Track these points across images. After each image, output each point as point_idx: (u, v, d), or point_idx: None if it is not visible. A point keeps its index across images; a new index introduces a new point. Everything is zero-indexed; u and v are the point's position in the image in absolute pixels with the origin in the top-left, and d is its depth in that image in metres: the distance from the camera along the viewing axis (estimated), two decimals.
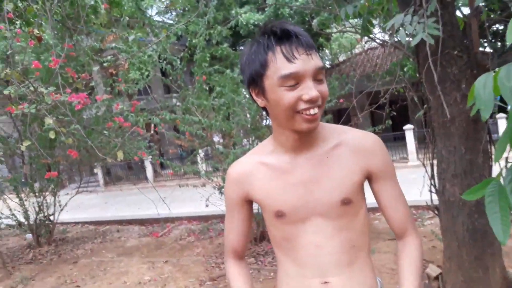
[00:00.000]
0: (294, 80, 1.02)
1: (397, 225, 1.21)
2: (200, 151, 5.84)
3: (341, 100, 5.24)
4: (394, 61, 7.82)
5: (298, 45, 1.03)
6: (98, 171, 15.95)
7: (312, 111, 1.04)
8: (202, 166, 6.82)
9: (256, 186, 1.21)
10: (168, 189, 9.31)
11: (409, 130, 12.74)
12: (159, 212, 6.47)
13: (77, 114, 4.91)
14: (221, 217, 7.47)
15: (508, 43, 1.40)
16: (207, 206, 5.47)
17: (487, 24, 2.73)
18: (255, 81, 1.09)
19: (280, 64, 1.02)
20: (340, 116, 4.24)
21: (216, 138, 6.65)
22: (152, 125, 6.45)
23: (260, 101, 1.13)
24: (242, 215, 1.29)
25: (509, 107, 1.56)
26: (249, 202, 1.28)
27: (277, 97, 1.05)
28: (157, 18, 16.91)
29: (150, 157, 6.59)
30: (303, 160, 1.17)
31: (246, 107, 4.81)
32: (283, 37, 1.04)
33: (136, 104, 5.20)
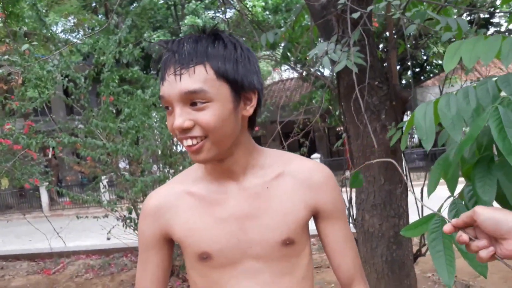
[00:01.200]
0: (166, 103, 0.87)
1: (344, 272, 1.04)
2: (103, 177, 5.35)
3: (257, 128, 5.18)
4: (304, 94, 8.07)
5: (170, 63, 0.85)
6: None
7: (185, 142, 0.86)
8: (105, 195, 6.27)
9: (178, 221, 0.97)
10: (66, 219, 8.43)
11: (316, 159, 13.22)
12: (53, 245, 5.77)
13: None
14: (124, 251, 6.86)
15: (446, 71, 1.36)
16: (108, 239, 4.97)
17: (410, 55, 2.78)
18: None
19: (160, 86, 0.88)
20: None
21: (122, 164, 6.18)
22: (50, 149, 5.83)
23: None
24: (159, 258, 1.02)
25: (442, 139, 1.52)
26: (169, 242, 1.02)
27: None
28: (62, 36, 15.87)
29: (46, 183, 5.91)
30: (237, 190, 0.96)
31: (157, 131, 4.51)
32: (162, 54, 0.89)
33: (30, 125, 4.63)
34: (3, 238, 10.29)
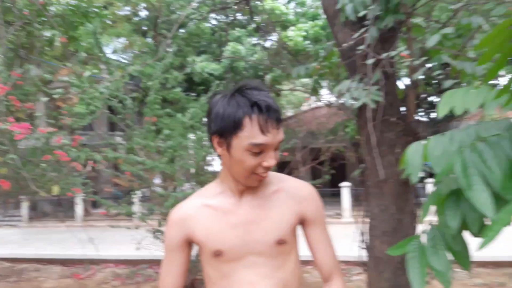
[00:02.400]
0: (261, 148, 1.15)
1: (324, 267, 1.32)
2: (137, 192, 5.69)
3: (285, 153, 5.41)
4: (338, 122, 8.25)
5: (272, 119, 1.15)
6: (24, 205, 14.95)
7: (265, 174, 1.20)
8: (137, 208, 6.61)
9: (198, 228, 1.27)
10: (97, 230, 8.89)
11: (345, 188, 13.21)
12: (85, 253, 6.12)
13: (13, 144, 4.69)
14: (150, 262, 7.17)
15: (439, 116, 1.57)
16: (138, 249, 5.28)
17: (423, 96, 3.00)
18: (223, 134, 1.18)
19: (254, 132, 1.14)
20: (283, 168, 4.36)
21: (156, 181, 6.53)
22: (91, 162, 6.27)
23: (220, 150, 1.22)
24: (182, 258, 1.32)
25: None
26: (189, 245, 1.33)
27: (241, 157, 1.16)
28: (112, 56, 16.84)
29: (84, 194, 6.33)
30: (246, 202, 1.27)
31: (192, 152, 4.84)
32: (263, 109, 1.15)
33: (78, 139, 5.06)
34: (37, 243, 10.85)
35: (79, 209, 15.30)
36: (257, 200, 1.27)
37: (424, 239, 1.32)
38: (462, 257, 1.26)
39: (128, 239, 5.36)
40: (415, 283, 1.24)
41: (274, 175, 1.34)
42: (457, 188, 1.28)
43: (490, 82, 1.74)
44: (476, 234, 1.22)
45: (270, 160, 1.17)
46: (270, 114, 1.15)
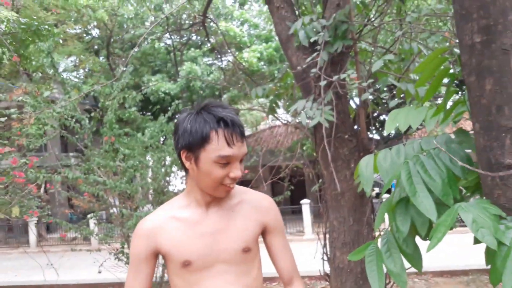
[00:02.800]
0: (227, 160, 1.26)
1: (285, 272, 1.44)
2: (92, 214, 5.59)
3: (246, 171, 5.52)
4: (295, 140, 8.49)
5: (237, 133, 1.28)
6: None
7: (232, 185, 1.31)
8: (95, 230, 6.46)
9: (166, 239, 1.33)
10: (53, 255, 8.52)
11: (305, 205, 13.46)
12: (43, 278, 5.88)
13: None
14: (113, 285, 6.99)
15: (386, 133, 1.75)
16: (99, 272, 5.16)
17: (374, 114, 3.23)
18: (191, 148, 1.28)
19: (221, 145, 1.25)
20: (245, 186, 4.45)
21: (115, 201, 6.42)
22: (44, 184, 6.10)
23: (188, 164, 1.32)
24: (148, 270, 1.37)
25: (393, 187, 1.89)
26: (156, 257, 1.38)
27: (209, 169, 1.26)
28: (63, 75, 16.43)
29: (35, 218, 6.13)
30: (212, 213, 1.37)
31: (153, 171, 4.85)
32: (229, 124, 1.27)
33: (33, 159, 4.93)
34: None
35: (32, 234, 14.60)
36: (222, 210, 1.37)
37: (380, 244, 1.47)
38: (414, 259, 1.42)
39: (87, 263, 5.23)
40: (374, 284, 1.38)
41: (236, 188, 1.44)
42: (405, 195, 1.45)
43: (430, 101, 1.95)
44: (425, 238, 1.38)
45: (236, 171, 1.27)
46: (235, 128, 1.27)
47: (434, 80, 1.46)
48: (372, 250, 1.49)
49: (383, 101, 3.66)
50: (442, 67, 1.43)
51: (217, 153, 1.24)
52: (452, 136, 1.59)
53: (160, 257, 1.41)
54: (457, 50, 1.38)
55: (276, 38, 15.52)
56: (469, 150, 1.48)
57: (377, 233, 2.42)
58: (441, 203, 1.36)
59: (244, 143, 1.31)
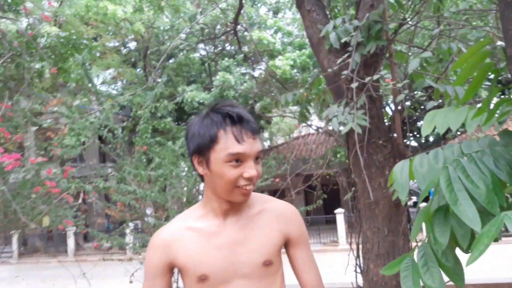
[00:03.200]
0: (239, 159, 1.16)
1: (309, 286, 1.31)
2: (130, 224, 5.64)
3: (277, 180, 5.42)
4: (328, 148, 8.31)
5: (247, 129, 1.18)
6: (14, 240, 14.66)
7: (249, 187, 1.18)
8: (130, 239, 6.52)
9: (182, 252, 1.24)
10: (89, 264, 8.68)
11: (340, 214, 13.18)
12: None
13: (3, 176, 4.66)
14: None
15: (423, 135, 1.62)
16: (131, 282, 5.17)
17: (410, 120, 3.08)
18: (201, 151, 1.20)
19: (229, 143, 1.16)
20: (276, 195, 4.36)
21: (148, 211, 6.47)
22: (82, 194, 6.22)
23: (201, 170, 1.23)
24: (163, 284, 1.28)
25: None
26: (171, 270, 1.30)
27: (220, 170, 1.17)
28: (102, 87, 16.97)
29: (75, 227, 6.25)
30: (230, 223, 1.26)
31: (183, 180, 4.84)
32: (236, 120, 1.18)
33: (69, 169, 5.03)
34: (28, 280, 10.55)
35: (70, 243, 15.02)
36: (241, 221, 1.27)
37: (416, 257, 1.34)
38: (454, 274, 1.28)
39: (121, 273, 5.25)
40: None
41: (257, 196, 1.35)
42: (444, 203, 1.32)
43: (469, 104, 1.80)
44: (467, 250, 1.24)
45: (251, 170, 1.17)
46: (244, 124, 1.18)
47: (475, 77, 1.32)
48: (407, 263, 1.36)
49: (420, 105, 3.48)
50: (484, 63, 1.30)
51: (226, 151, 1.16)
52: (497, 138, 1.44)
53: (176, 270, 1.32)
54: (501, 43, 1.24)
55: (309, 45, 15.43)
56: None
57: (413, 244, 2.26)
58: (485, 212, 1.22)
59: (257, 139, 1.20)
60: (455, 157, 1.43)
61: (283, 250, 1.32)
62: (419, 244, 1.41)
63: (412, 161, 1.51)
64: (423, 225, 1.42)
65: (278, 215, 1.30)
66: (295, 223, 1.32)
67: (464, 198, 1.15)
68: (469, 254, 1.33)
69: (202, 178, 1.28)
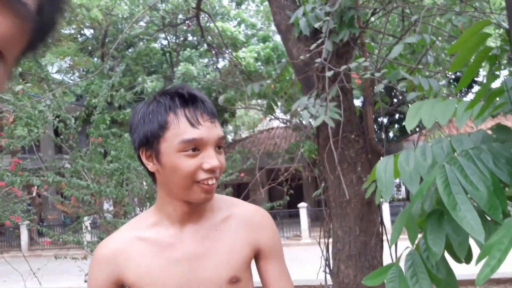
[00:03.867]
0: (196, 146, 0.95)
1: None
2: (85, 218, 5.31)
3: (242, 174, 5.25)
4: (293, 142, 8.21)
5: (203, 111, 0.97)
6: None
7: (211, 181, 0.96)
8: (86, 236, 6.17)
9: (131, 267, 1.02)
10: (45, 260, 8.22)
11: (303, 208, 13.21)
12: (29, 287, 5.59)
13: None
14: None
15: (407, 130, 1.47)
16: (86, 281, 4.87)
17: (380, 113, 2.95)
18: (149, 142, 0.97)
19: (182, 127, 0.94)
20: (240, 190, 4.19)
21: (106, 206, 6.14)
22: (35, 187, 5.80)
23: (151, 165, 1.00)
24: None
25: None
26: None
27: (174, 162, 0.95)
28: (57, 76, 16.17)
29: (27, 222, 5.86)
30: (189, 233, 1.04)
31: (143, 174, 4.55)
32: (189, 100, 0.97)
33: (17, 162, 4.64)
34: None
35: (23, 238, 14.30)
36: (203, 230, 1.04)
37: (403, 266, 1.19)
38: (446, 286, 1.13)
39: (77, 269, 4.93)
40: None
41: (223, 199, 1.13)
42: (437, 208, 1.17)
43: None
44: (461, 260, 1.10)
45: (211, 160, 0.95)
46: (198, 104, 0.97)
47: (473, 62, 1.17)
48: (394, 274, 1.20)
49: (392, 98, 3.38)
50: (482, 47, 1.15)
51: (179, 138, 0.94)
52: (489, 133, 1.31)
53: None
54: (504, 25, 1.09)
55: (274, 38, 15.28)
56: None
57: (387, 244, 2.13)
58: (483, 217, 1.08)
59: (216, 123, 0.99)
60: (445, 154, 1.29)
61: (253, 262, 1.12)
62: (406, 251, 1.26)
63: (397, 157, 1.35)
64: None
65: (246, 222, 1.09)
66: (266, 232, 1.11)
67: (464, 203, 0.99)
68: (464, 263, 1.19)
69: (153, 177, 1.04)
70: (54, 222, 14.88)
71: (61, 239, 4.77)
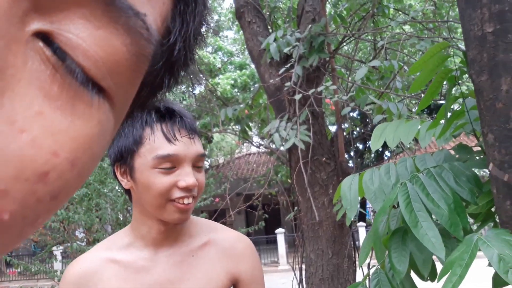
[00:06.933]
0: (171, 163, 0.90)
1: None
2: (55, 247, 5.13)
3: (217, 200, 5.20)
4: (269, 167, 8.23)
5: (181, 126, 0.93)
6: None
7: (186, 201, 0.91)
8: (56, 266, 5.95)
9: None
10: None
11: (280, 234, 13.11)
12: None
13: None
14: None
15: (373, 150, 1.48)
16: None
17: (351, 137, 3.00)
18: (123, 157, 0.93)
19: (158, 143, 0.90)
20: (216, 215, 4.14)
21: (78, 233, 5.96)
22: None
23: (126, 182, 0.95)
24: None
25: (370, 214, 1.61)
26: None
27: (147, 179, 0.90)
28: None
29: None
30: (164, 257, 0.98)
31: (113, 200, 4.45)
32: (166, 115, 0.93)
33: None
34: None
35: None
36: (179, 254, 0.99)
37: (369, 284, 1.18)
38: None
39: None
40: None
41: (202, 223, 1.07)
42: (401, 226, 1.17)
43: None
44: (426, 278, 1.09)
45: (187, 177, 0.90)
46: (176, 119, 0.94)
47: (432, 83, 1.20)
48: None
49: (362, 122, 3.44)
50: (442, 68, 1.18)
51: (153, 153, 0.89)
52: (452, 152, 1.34)
53: None
54: (462, 47, 1.13)
55: (251, 65, 15.49)
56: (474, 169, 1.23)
57: (360, 267, 2.13)
58: (445, 235, 1.09)
59: (196, 139, 0.95)
60: (409, 173, 1.31)
61: None
62: (372, 270, 1.25)
63: (362, 176, 1.36)
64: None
65: (226, 250, 1.03)
66: (247, 261, 1.04)
67: (426, 220, 1.00)
68: (429, 281, 1.19)
69: (129, 194, 1.00)
70: (23, 251, 14.30)
71: (28, 270, 4.57)
